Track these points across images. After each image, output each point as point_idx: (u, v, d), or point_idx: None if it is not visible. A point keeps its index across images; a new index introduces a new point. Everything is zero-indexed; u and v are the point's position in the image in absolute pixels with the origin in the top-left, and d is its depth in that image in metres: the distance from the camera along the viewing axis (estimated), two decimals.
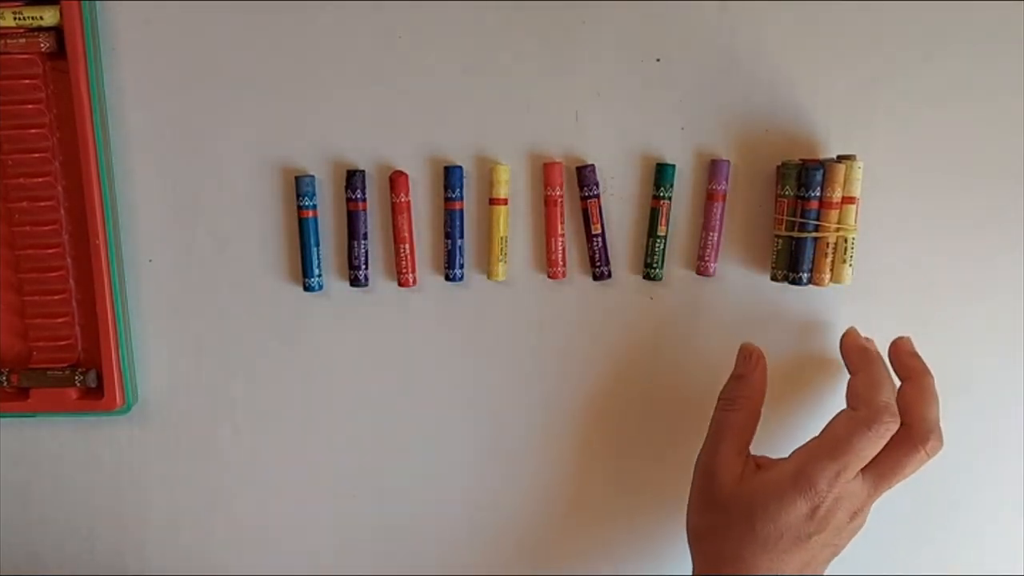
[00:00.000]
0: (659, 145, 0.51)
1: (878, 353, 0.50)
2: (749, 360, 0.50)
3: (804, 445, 0.48)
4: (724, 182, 0.50)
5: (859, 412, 0.47)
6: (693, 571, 0.49)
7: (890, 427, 0.46)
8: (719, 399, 0.50)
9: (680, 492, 0.51)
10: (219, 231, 0.53)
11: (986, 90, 0.49)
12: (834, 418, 0.48)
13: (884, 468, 0.47)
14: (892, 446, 0.46)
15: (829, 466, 0.46)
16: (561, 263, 0.52)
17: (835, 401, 0.53)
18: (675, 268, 0.52)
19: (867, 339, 0.51)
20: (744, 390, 0.50)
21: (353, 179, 0.51)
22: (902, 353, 0.50)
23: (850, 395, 0.48)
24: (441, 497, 0.56)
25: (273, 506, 0.56)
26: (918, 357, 0.50)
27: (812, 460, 0.46)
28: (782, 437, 0.53)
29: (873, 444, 0.46)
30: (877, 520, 0.54)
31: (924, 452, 0.47)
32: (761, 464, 0.49)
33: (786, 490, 0.46)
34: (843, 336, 0.51)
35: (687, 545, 0.50)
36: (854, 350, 0.50)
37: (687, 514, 0.51)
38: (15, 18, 0.49)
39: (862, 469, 0.46)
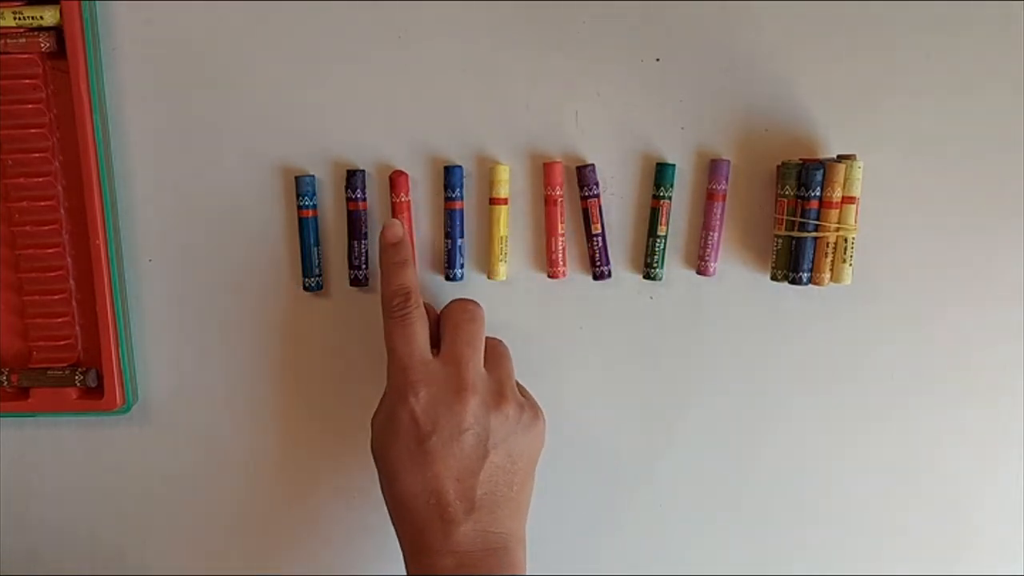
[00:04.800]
0: (659, 145, 0.51)
1: (394, 245, 0.49)
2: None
3: None
4: (724, 182, 0.50)
5: (383, 309, 0.49)
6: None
7: (400, 304, 0.48)
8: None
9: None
10: (219, 231, 0.53)
11: (986, 90, 0.49)
12: None
13: (443, 335, 0.49)
14: (440, 321, 0.50)
15: (394, 366, 0.48)
16: (561, 263, 0.52)
17: (835, 399, 0.53)
18: (675, 268, 0.52)
19: (403, 237, 0.50)
20: None
21: (353, 179, 0.51)
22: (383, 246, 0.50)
23: None
24: None
25: (273, 506, 0.56)
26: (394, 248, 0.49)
27: (388, 375, 0.48)
28: (780, 439, 0.53)
29: (400, 326, 0.48)
30: (877, 520, 0.54)
31: (469, 308, 0.49)
32: None
33: (387, 409, 0.48)
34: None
35: None
36: (381, 247, 0.50)
37: None
38: (15, 18, 0.49)
39: (438, 355, 0.48)
